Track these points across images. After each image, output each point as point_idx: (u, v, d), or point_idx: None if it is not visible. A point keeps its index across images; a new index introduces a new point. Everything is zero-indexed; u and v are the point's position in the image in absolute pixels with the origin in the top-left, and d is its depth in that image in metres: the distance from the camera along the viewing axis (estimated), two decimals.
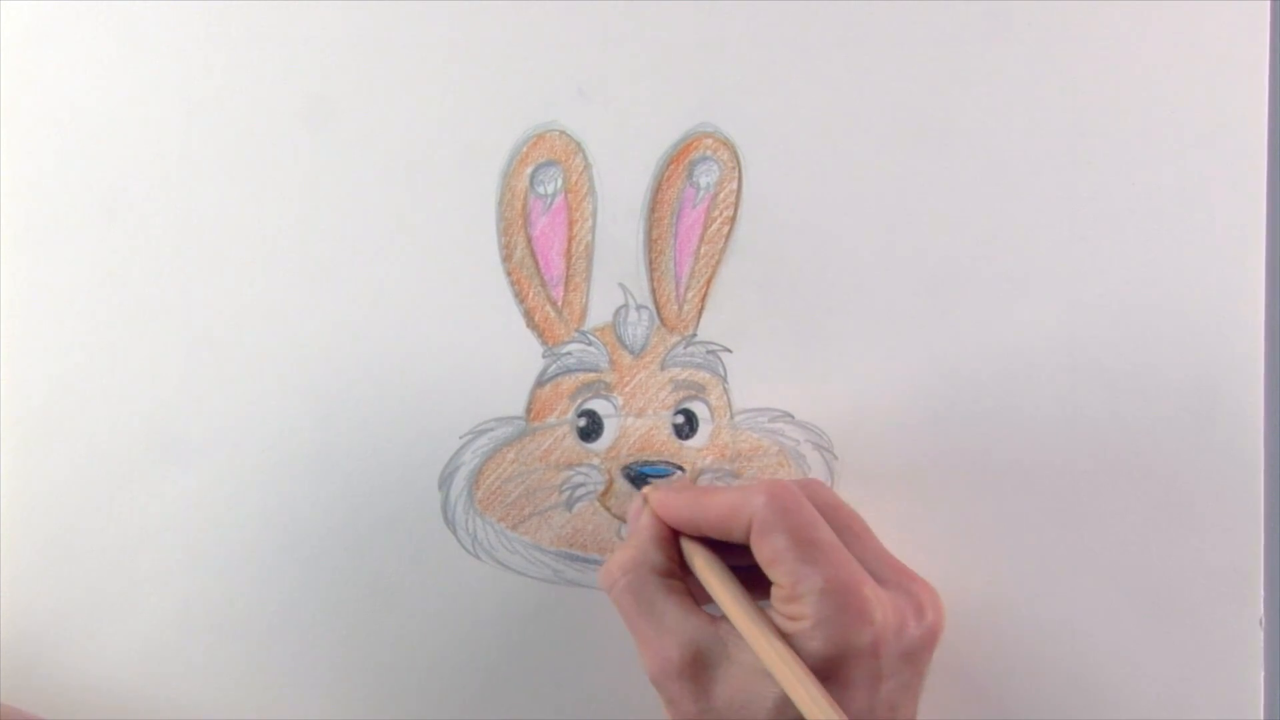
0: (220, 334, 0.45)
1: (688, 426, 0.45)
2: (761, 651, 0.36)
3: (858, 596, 0.36)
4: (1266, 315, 0.45)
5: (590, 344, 0.45)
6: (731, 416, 0.45)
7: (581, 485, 0.45)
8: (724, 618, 0.38)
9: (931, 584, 0.39)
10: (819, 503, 0.39)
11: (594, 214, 0.45)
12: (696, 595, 0.40)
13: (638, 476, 0.45)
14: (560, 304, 0.45)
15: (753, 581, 0.38)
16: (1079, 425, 0.45)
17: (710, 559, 0.39)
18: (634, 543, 0.40)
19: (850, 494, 0.44)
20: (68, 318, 0.45)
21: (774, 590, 0.37)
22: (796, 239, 0.45)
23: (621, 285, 0.45)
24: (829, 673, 0.35)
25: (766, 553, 0.37)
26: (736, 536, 0.38)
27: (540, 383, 0.45)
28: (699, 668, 0.37)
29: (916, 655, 0.37)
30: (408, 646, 0.45)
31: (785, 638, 0.36)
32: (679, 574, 0.40)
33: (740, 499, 0.38)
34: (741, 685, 0.37)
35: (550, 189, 0.45)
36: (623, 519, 0.45)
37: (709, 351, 0.45)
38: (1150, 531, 0.44)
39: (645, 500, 0.41)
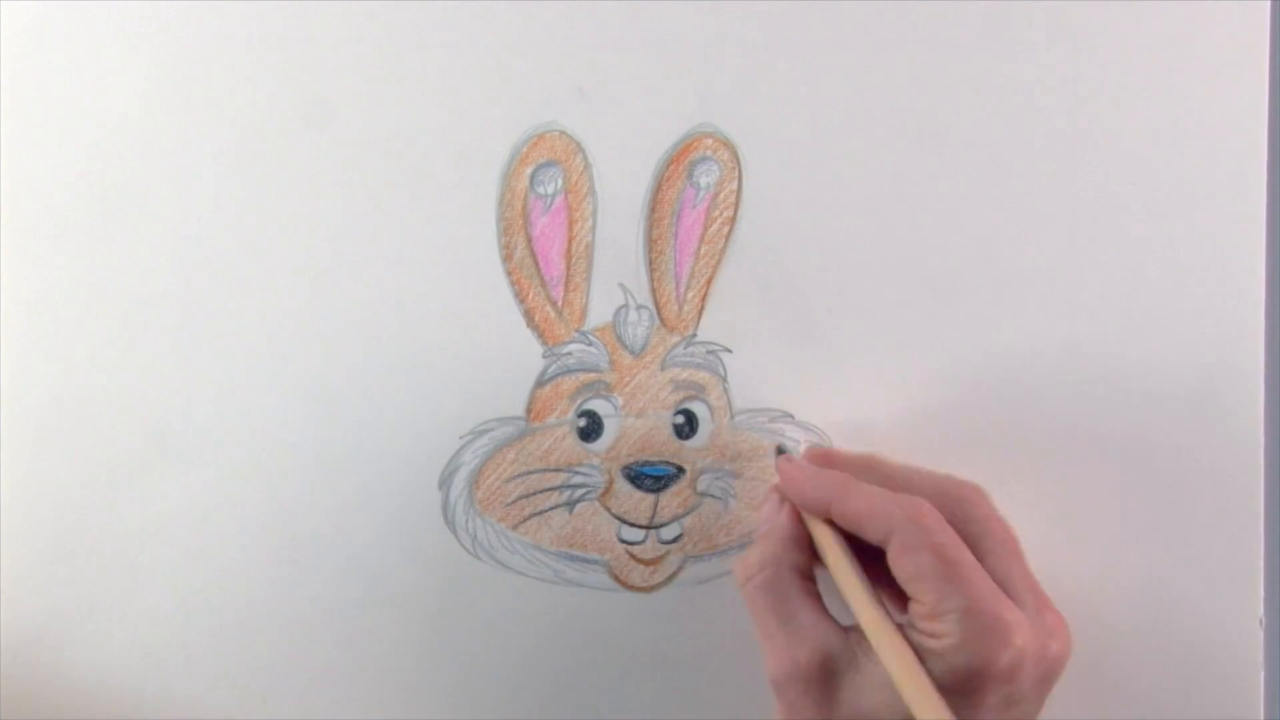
0: (220, 334, 0.45)
1: (688, 426, 0.45)
2: (883, 653, 0.36)
3: (1001, 620, 0.35)
4: (1266, 315, 0.45)
5: (590, 344, 0.45)
6: (732, 416, 0.45)
7: (582, 486, 0.45)
8: (855, 628, 0.38)
9: (1063, 616, 0.38)
10: (975, 514, 0.39)
11: (594, 214, 0.45)
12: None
13: (638, 476, 0.45)
14: (560, 304, 0.45)
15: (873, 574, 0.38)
16: (1079, 425, 0.45)
17: (846, 562, 0.39)
18: (773, 538, 0.40)
19: None
20: (68, 318, 0.45)
21: (913, 606, 0.37)
22: (796, 239, 0.45)
23: (621, 285, 0.45)
24: (964, 692, 0.35)
25: (909, 569, 0.37)
26: (869, 538, 0.38)
27: (540, 383, 0.45)
28: (826, 675, 0.37)
29: (1045, 682, 0.37)
30: (407, 647, 0.45)
31: (922, 654, 0.36)
32: (814, 576, 0.40)
33: (882, 506, 0.38)
34: (869, 699, 0.36)
35: (550, 189, 0.45)
36: (623, 519, 0.45)
37: (709, 351, 0.45)
38: (1150, 531, 0.44)
39: (782, 500, 0.41)
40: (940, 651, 0.36)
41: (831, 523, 0.39)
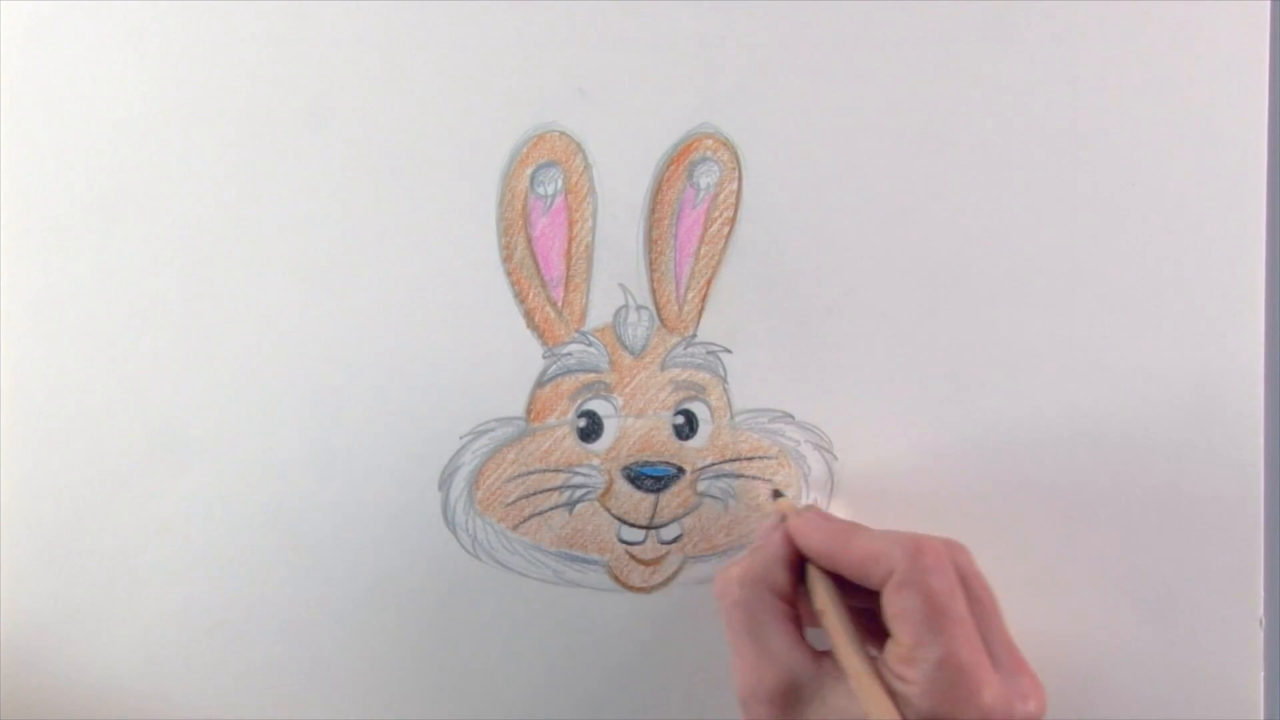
0: (220, 334, 0.45)
1: (688, 427, 0.45)
2: (868, 703, 0.35)
3: (973, 677, 0.35)
4: (1266, 315, 0.45)
5: (590, 344, 0.45)
6: (731, 417, 0.45)
7: (582, 486, 0.45)
8: (826, 654, 0.38)
9: (1039, 679, 0.38)
10: (956, 567, 0.38)
11: (594, 214, 0.45)
12: (805, 620, 0.39)
13: (638, 477, 0.45)
14: (560, 304, 0.45)
15: (864, 626, 0.38)
16: (1079, 425, 0.45)
17: (834, 597, 0.39)
18: (760, 557, 0.40)
19: (850, 494, 0.45)
20: (68, 318, 0.45)
21: (891, 645, 0.36)
22: (796, 239, 0.45)
23: (622, 286, 0.45)
24: None
25: (896, 607, 0.36)
26: (871, 584, 0.37)
27: (540, 383, 0.45)
28: (791, 700, 0.37)
29: None
30: (408, 647, 0.45)
31: (891, 695, 0.35)
32: (794, 599, 0.39)
33: (884, 548, 0.37)
34: None
35: (550, 189, 0.45)
36: (623, 519, 0.45)
37: (709, 352, 0.45)
38: (1150, 531, 0.44)
39: (783, 518, 0.41)
40: (905, 696, 0.35)
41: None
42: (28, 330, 0.45)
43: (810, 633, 0.39)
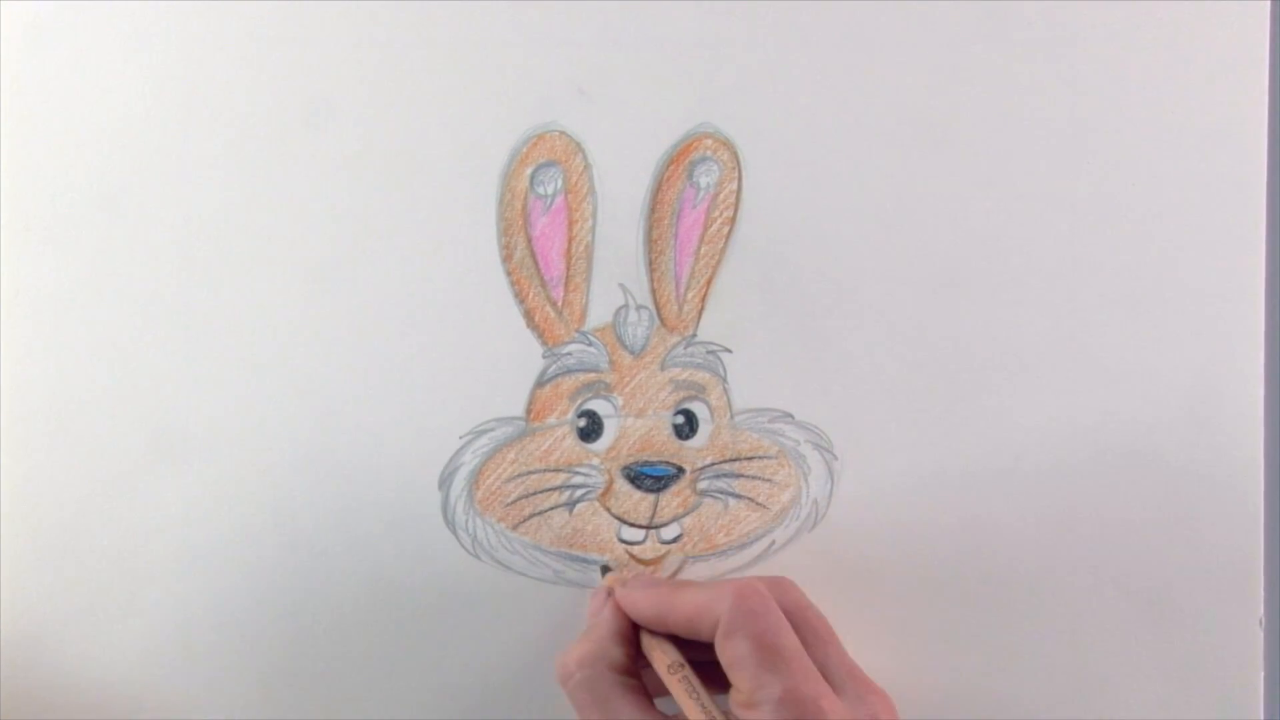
0: (221, 334, 0.45)
1: (688, 427, 0.45)
2: None
3: (815, 709, 0.35)
4: (1266, 315, 0.45)
5: (590, 344, 0.45)
6: (731, 417, 0.45)
7: (582, 486, 0.45)
8: (677, 717, 0.38)
9: (888, 693, 0.38)
10: (786, 603, 0.39)
11: (594, 214, 0.45)
12: (652, 688, 0.39)
13: (638, 477, 0.45)
14: (560, 304, 0.45)
15: (711, 676, 0.38)
16: (1078, 425, 0.45)
17: (674, 658, 0.39)
18: (593, 636, 0.40)
19: (850, 494, 0.45)
20: (68, 318, 0.45)
21: (733, 693, 0.37)
22: (796, 239, 0.45)
23: (622, 286, 0.45)
24: None
25: (729, 655, 0.37)
26: (704, 636, 0.38)
27: (540, 383, 0.45)
28: None
29: None
30: (407, 647, 0.45)
31: None
32: (636, 670, 0.40)
33: (708, 599, 0.38)
34: None
35: (550, 189, 0.45)
36: (623, 519, 0.45)
37: (709, 352, 0.45)
38: (1150, 531, 0.44)
39: (609, 592, 0.41)
40: None
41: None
42: (28, 330, 0.45)
43: (662, 701, 0.39)
